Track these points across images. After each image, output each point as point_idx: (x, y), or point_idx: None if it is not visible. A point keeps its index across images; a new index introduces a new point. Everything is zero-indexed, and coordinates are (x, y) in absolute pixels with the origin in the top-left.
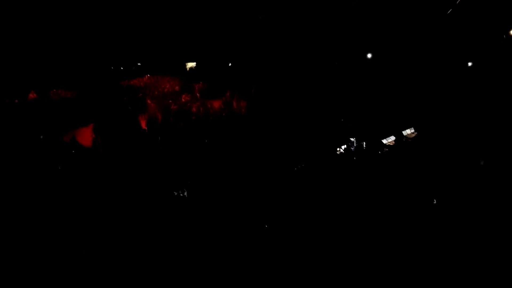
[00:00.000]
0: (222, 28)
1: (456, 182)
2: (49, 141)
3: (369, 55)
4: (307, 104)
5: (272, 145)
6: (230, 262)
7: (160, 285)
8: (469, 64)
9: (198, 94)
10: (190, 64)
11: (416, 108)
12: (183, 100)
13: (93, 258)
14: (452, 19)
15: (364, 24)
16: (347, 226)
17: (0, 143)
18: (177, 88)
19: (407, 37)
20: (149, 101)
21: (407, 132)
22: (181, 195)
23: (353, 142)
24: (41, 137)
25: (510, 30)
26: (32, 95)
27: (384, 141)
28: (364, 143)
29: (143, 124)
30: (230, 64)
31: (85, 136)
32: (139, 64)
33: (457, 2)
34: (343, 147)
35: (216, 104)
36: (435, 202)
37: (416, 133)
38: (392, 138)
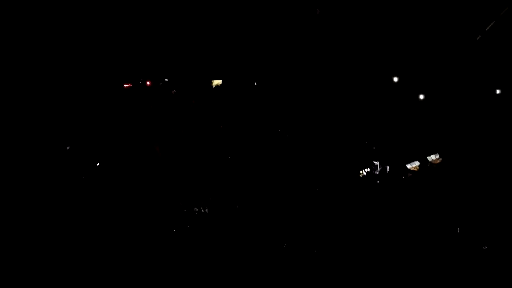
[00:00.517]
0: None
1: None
2: None
3: (395, 79)
4: (332, 125)
5: (296, 165)
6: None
7: None
8: (498, 91)
9: None
10: (216, 82)
11: (443, 133)
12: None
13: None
14: (482, 44)
15: (390, 45)
16: (366, 253)
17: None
18: None
19: (435, 60)
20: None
21: (432, 157)
22: (202, 211)
23: (377, 165)
24: None
25: None
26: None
27: (408, 165)
28: (388, 167)
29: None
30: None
31: None
32: (166, 80)
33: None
34: (366, 169)
35: None
36: (459, 231)
37: (441, 159)
38: (417, 163)
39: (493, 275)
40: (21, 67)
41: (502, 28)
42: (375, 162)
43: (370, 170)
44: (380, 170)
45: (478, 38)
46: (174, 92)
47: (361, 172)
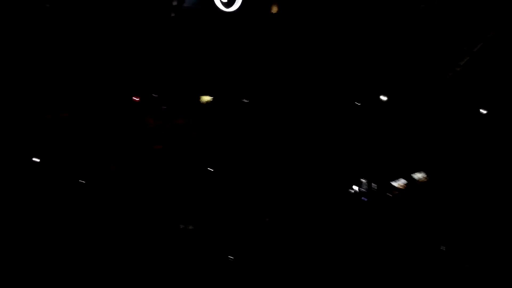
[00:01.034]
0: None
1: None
2: None
3: (383, 98)
4: (318, 142)
5: (281, 181)
6: None
7: None
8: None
9: None
10: (206, 98)
11: (429, 151)
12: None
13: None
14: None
15: (376, 62)
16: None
17: None
18: None
19: (423, 76)
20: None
21: (418, 176)
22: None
23: (364, 183)
24: None
25: None
26: None
27: (395, 183)
28: (375, 185)
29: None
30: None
31: None
32: (155, 95)
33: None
34: (354, 187)
35: None
36: (443, 249)
37: (427, 177)
38: (403, 181)
39: None
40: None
41: (488, 50)
42: (362, 180)
43: (358, 188)
44: (367, 188)
45: (464, 61)
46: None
47: (349, 190)
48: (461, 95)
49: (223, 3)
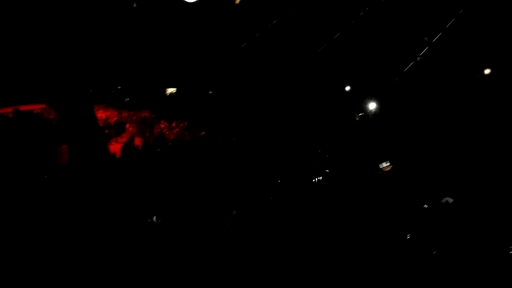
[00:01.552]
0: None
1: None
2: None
3: (347, 88)
4: (284, 135)
5: (249, 173)
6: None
7: None
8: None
9: None
10: (170, 90)
11: (394, 141)
12: (161, 126)
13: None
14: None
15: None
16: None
17: None
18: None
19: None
20: (128, 125)
21: (383, 165)
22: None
23: (328, 173)
24: None
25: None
26: None
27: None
28: (340, 174)
29: (115, 148)
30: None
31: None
32: (119, 87)
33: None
34: (319, 178)
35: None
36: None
37: (391, 166)
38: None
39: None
40: None
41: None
42: (327, 170)
43: (322, 178)
44: (332, 178)
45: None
46: (127, 100)
47: (313, 180)
48: (425, 84)
49: None
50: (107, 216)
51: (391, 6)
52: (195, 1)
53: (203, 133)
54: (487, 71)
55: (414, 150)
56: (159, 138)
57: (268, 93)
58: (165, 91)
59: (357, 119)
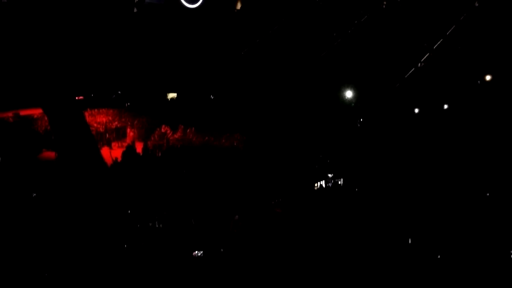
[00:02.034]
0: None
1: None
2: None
3: (348, 95)
4: (287, 139)
5: (252, 178)
6: None
7: None
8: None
9: None
10: (172, 95)
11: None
12: (162, 130)
13: None
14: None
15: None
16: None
17: None
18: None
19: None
20: (129, 129)
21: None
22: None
23: (331, 178)
24: None
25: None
26: None
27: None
28: (342, 179)
29: (116, 153)
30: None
31: None
32: (120, 92)
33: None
34: (321, 182)
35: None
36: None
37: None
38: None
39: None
40: None
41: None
42: (329, 175)
43: (324, 183)
44: (333, 183)
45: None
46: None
47: (316, 185)
48: (424, 90)
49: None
50: (99, 220)
51: (393, 12)
52: (196, 7)
53: (206, 138)
54: (488, 77)
55: (415, 152)
56: (159, 143)
57: (269, 98)
58: (166, 96)
59: (359, 125)
